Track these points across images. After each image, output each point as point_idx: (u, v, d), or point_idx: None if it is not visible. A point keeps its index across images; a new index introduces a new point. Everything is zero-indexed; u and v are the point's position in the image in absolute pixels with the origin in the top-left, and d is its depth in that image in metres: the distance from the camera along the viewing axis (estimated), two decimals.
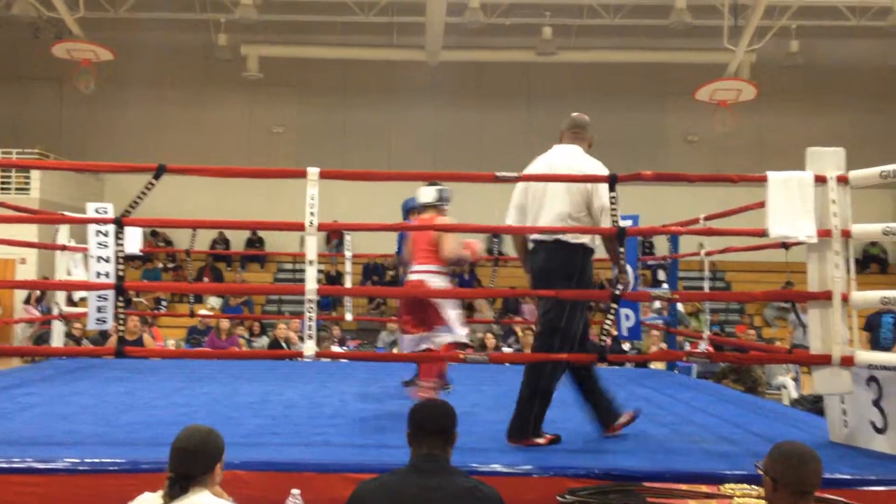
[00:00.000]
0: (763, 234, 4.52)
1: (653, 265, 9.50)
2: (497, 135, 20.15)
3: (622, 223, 4.61)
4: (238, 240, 19.38)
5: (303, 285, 4.61)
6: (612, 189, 4.48)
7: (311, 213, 4.60)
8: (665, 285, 7.88)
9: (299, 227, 4.77)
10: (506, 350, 12.43)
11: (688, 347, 9.55)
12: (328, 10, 18.83)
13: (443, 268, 5.46)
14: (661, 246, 16.37)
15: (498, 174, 4.73)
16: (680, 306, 11.71)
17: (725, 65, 18.01)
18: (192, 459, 2.88)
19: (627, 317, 6.59)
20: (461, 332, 5.29)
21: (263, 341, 12.90)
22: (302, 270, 15.71)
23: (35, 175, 17.39)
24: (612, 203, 4.48)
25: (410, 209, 6.11)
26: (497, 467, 3.87)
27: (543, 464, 3.95)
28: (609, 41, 19.38)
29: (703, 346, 6.97)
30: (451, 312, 5.27)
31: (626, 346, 11.12)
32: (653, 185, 15.49)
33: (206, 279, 17.32)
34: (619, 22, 18.60)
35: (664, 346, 9.25)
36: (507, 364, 7.01)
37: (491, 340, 11.81)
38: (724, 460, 4.15)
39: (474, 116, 20.59)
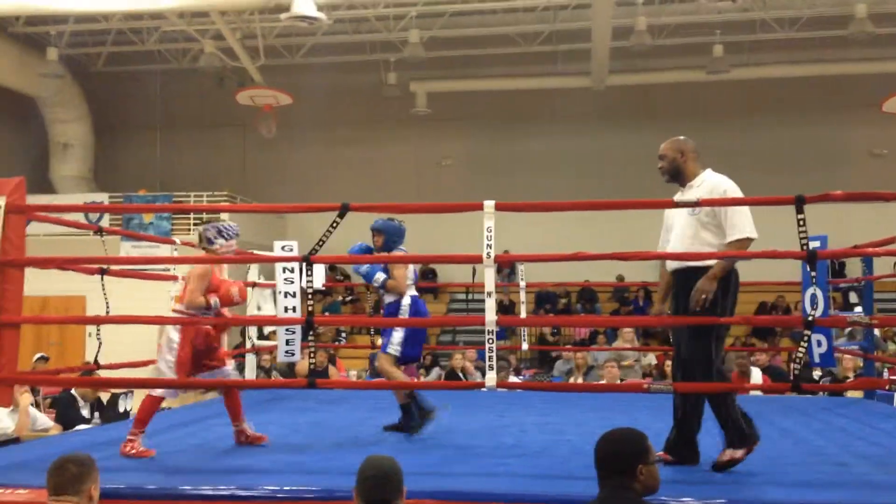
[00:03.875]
0: None
1: (844, 288, 9.01)
2: None
3: (811, 245, 4.43)
4: None
5: (477, 316, 4.68)
6: (799, 211, 4.34)
7: (489, 245, 4.66)
8: (858, 308, 7.45)
9: (477, 260, 4.85)
10: None
11: (886, 374, 8.96)
12: (492, 43, 19.09)
13: (181, 307, 5.34)
14: (852, 267, 15.50)
15: (677, 199, 4.65)
16: (875, 330, 11.01)
17: None
18: (388, 486, 3.02)
19: (819, 343, 6.28)
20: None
21: (434, 373, 13.04)
22: (475, 301, 15.81)
23: (224, 216, 18.45)
24: (800, 225, 4.34)
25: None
26: (688, 500, 3.76)
27: (737, 497, 3.81)
28: (784, 55, 18.63)
29: None
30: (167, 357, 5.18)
31: (815, 374, 10.54)
32: (837, 203, 14.70)
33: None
34: (794, 35, 17.84)
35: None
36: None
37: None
38: None
39: (642, 140, 20.11)
